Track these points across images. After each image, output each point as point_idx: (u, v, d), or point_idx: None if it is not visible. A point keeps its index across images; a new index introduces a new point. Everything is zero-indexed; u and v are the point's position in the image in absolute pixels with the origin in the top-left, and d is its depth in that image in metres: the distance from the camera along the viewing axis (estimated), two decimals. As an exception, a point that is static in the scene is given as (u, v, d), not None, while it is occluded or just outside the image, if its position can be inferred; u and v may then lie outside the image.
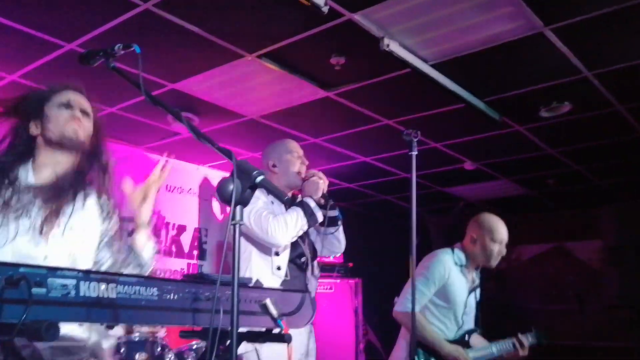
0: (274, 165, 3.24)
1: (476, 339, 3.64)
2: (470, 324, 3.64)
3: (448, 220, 8.60)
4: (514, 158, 6.10)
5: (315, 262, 3.22)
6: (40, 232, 1.90)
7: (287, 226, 2.86)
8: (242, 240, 2.98)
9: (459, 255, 3.58)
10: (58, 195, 1.96)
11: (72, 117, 2.06)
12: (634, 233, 7.52)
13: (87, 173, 2.09)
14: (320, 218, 3.01)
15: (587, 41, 3.64)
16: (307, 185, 3.11)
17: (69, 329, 1.86)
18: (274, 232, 2.84)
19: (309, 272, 3.10)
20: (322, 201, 3.05)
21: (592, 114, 4.83)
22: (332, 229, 3.17)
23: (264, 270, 2.92)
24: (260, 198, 2.98)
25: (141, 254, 2.18)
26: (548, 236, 8.33)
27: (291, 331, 1.89)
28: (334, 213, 3.16)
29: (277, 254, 2.96)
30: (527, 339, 3.66)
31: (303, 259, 3.08)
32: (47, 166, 2.03)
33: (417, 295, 3.32)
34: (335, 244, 3.25)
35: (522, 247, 8.19)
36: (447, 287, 3.48)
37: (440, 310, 3.51)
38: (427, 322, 3.46)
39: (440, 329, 3.52)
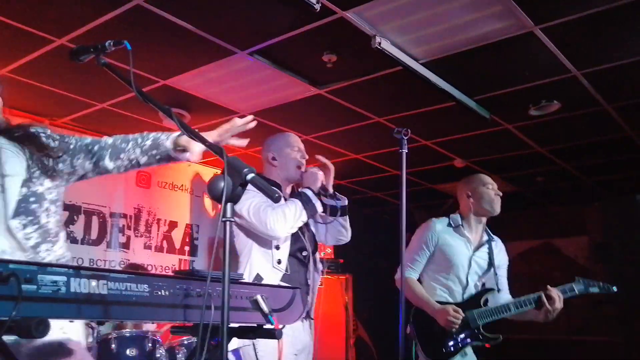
0: (273, 158, 3.22)
1: (499, 299, 3.53)
2: (485, 284, 3.59)
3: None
4: (503, 156, 6.14)
5: (318, 257, 3.21)
6: None
7: (285, 217, 2.84)
8: (242, 235, 2.98)
9: (454, 218, 3.61)
10: None
11: None
12: (619, 230, 7.60)
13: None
14: (319, 208, 3.00)
15: (576, 41, 3.67)
16: (305, 176, 3.09)
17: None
18: (273, 224, 2.81)
19: (310, 266, 3.07)
20: (323, 192, 3.06)
21: (581, 113, 4.87)
22: (341, 219, 3.19)
23: (264, 264, 2.90)
24: (258, 192, 2.97)
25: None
26: (536, 233, 8.39)
27: (288, 327, 1.90)
28: (344, 202, 3.17)
29: (277, 247, 2.94)
30: (559, 292, 3.41)
31: (305, 253, 3.06)
32: None
33: (410, 263, 3.50)
34: (342, 232, 3.23)
35: (510, 243, 8.19)
36: (441, 249, 3.49)
37: (441, 275, 3.50)
38: (418, 285, 3.50)
39: (443, 291, 3.51)
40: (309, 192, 2.98)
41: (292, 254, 2.99)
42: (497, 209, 3.60)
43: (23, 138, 1.98)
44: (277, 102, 4.77)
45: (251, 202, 2.86)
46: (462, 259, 3.52)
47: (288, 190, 3.25)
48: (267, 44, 3.76)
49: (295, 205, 2.90)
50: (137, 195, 5.82)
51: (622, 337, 7.21)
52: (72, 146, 2.06)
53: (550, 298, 3.36)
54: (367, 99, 4.69)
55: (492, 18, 3.41)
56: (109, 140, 2.16)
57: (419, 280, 3.59)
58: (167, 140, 2.09)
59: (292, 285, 2.49)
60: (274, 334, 1.84)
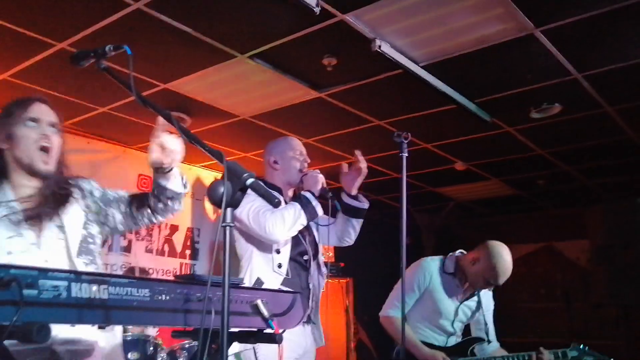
0: (275, 162, 3.21)
1: (488, 349, 3.56)
2: (474, 333, 3.60)
3: (439, 220, 8.64)
4: (504, 159, 6.14)
5: (322, 260, 3.20)
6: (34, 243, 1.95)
7: (284, 221, 2.82)
8: (242, 240, 2.97)
9: (448, 263, 3.55)
10: (42, 215, 2.00)
11: (41, 136, 2.04)
12: (621, 232, 7.58)
13: (64, 190, 2.11)
14: (319, 211, 2.98)
15: (577, 43, 3.66)
16: (306, 179, 3.08)
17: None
18: (272, 228, 2.80)
19: (312, 270, 3.05)
20: (324, 194, 3.04)
21: (582, 115, 4.87)
22: (355, 220, 3.21)
23: (265, 268, 2.90)
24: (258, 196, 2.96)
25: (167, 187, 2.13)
26: (537, 236, 8.38)
27: (287, 331, 1.90)
28: (365, 205, 3.19)
29: (277, 251, 2.93)
30: (551, 356, 3.44)
31: (305, 257, 3.05)
32: (25, 187, 2.05)
33: (397, 302, 3.40)
34: (350, 234, 3.25)
35: (511, 246, 8.20)
36: (431, 293, 3.47)
37: (428, 318, 3.49)
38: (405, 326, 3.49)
39: (431, 335, 3.52)
40: (308, 195, 2.96)
41: (292, 258, 2.97)
42: (478, 289, 3.55)
43: (78, 185, 2.18)
44: (277, 106, 4.77)
45: (251, 205, 2.85)
46: (449, 307, 3.52)
47: (290, 194, 3.24)
48: (267, 47, 3.76)
49: (294, 209, 2.88)
50: (138, 199, 5.80)
51: (623, 340, 7.19)
52: (109, 197, 2.23)
53: None
54: (367, 102, 4.69)
55: (492, 20, 3.40)
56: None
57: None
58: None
59: (293, 289, 2.49)
60: (275, 339, 1.84)
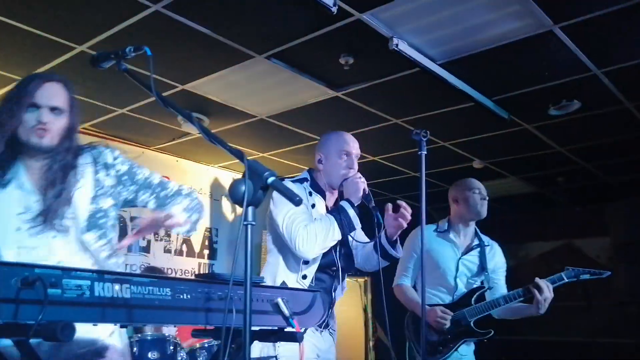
0: (319, 161, 2.97)
1: (493, 297, 3.58)
2: (473, 285, 3.63)
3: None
4: (522, 156, 6.09)
5: (345, 275, 3.01)
6: (44, 222, 1.94)
7: (316, 239, 2.66)
8: (275, 235, 2.85)
9: (441, 224, 3.72)
10: (53, 194, 1.99)
11: (38, 122, 2.00)
12: (641, 229, 7.50)
13: (71, 165, 2.08)
14: (357, 225, 2.82)
15: (596, 39, 3.63)
16: (346, 185, 2.84)
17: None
18: (302, 244, 2.66)
19: (337, 281, 2.91)
20: (366, 201, 2.81)
21: (601, 112, 4.82)
22: (385, 261, 2.94)
23: (290, 275, 2.78)
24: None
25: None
26: (556, 233, 8.30)
27: (306, 336, 1.89)
28: (398, 255, 2.94)
29: (306, 262, 2.78)
30: (548, 282, 3.35)
31: (334, 268, 2.89)
32: (34, 169, 2.04)
33: (402, 270, 3.68)
34: (375, 267, 3.00)
35: (531, 244, 8.18)
36: (429, 253, 3.51)
37: (430, 279, 3.49)
38: (410, 291, 3.63)
39: (435, 294, 3.60)
40: (346, 206, 2.75)
41: (319, 269, 2.82)
42: (483, 213, 3.64)
43: (90, 156, 2.15)
44: (295, 105, 4.78)
45: (287, 211, 2.72)
46: (449, 262, 3.62)
47: (333, 199, 3.02)
48: (284, 47, 3.77)
49: (328, 224, 2.70)
50: (156, 200, 5.85)
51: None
52: (138, 177, 2.24)
53: (538, 288, 3.31)
54: (384, 101, 4.68)
55: (510, 17, 3.38)
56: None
57: (414, 286, 3.69)
58: None
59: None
60: (296, 337, 1.84)
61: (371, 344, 7.46)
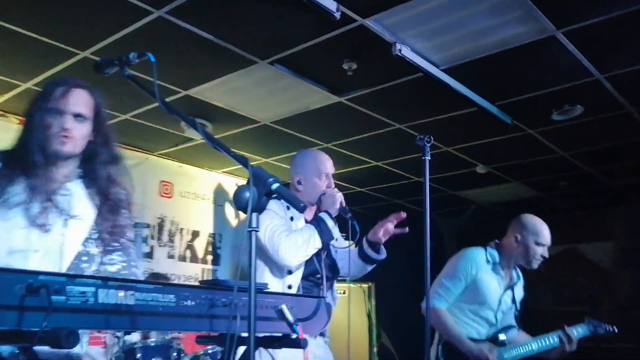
0: (299, 182, 3.09)
1: (518, 337, 3.56)
2: (508, 322, 3.57)
3: (460, 224, 8.58)
4: (526, 161, 6.09)
5: (334, 284, 3.12)
6: (38, 226, 1.89)
7: (298, 247, 2.77)
8: (259, 248, 2.91)
9: (492, 253, 3.52)
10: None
11: (61, 130, 1.98)
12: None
13: (90, 173, 2.09)
14: (336, 234, 2.91)
15: (598, 44, 3.63)
16: (324, 199, 2.98)
17: None
18: (284, 253, 2.75)
19: (324, 289, 2.98)
20: (343, 212, 2.93)
21: (604, 117, 4.81)
22: (370, 266, 3.11)
23: (276, 285, 2.84)
24: (278, 214, 2.89)
25: None
26: (560, 238, 8.26)
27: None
28: (382, 257, 3.09)
29: (289, 272, 2.88)
30: (575, 332, 3.48)
31: (317, 276, 2.98)
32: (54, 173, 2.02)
33: (442, 292, 3.44)
34: (368, 269, 3.16)
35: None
36: (476, 283, 3.42)
37: (472, 309, 3.46)
38: (450, 318, 3.43)
39: (473, 327, 3.48)
40: (325, 217, 2.89)
41: (304, 277, 2.91)
42: (535, 267, 3.57)
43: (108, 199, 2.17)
44: (298, 111, 4.78)
45: (269, 224, 2.80)
46: (494, 296, 3.48)
47: (311, 213, 3.12)
48: (287, 53, 3.78)
49: (311, 233, 2.81)
50: (160, 205, 5.86)
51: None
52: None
53: (570, 341, 3.46)
54: (387, 106, 4.68)
55: (513, 23, 3.39)
56: None
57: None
58: None
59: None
60: (299, 344, 1.84)
61: (375, 349, 7.44)
